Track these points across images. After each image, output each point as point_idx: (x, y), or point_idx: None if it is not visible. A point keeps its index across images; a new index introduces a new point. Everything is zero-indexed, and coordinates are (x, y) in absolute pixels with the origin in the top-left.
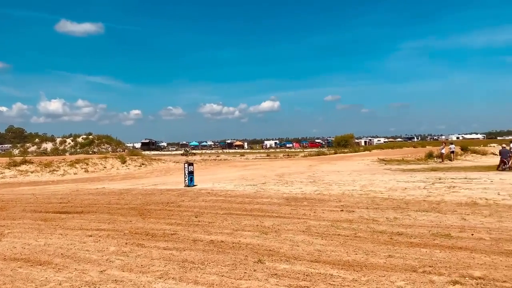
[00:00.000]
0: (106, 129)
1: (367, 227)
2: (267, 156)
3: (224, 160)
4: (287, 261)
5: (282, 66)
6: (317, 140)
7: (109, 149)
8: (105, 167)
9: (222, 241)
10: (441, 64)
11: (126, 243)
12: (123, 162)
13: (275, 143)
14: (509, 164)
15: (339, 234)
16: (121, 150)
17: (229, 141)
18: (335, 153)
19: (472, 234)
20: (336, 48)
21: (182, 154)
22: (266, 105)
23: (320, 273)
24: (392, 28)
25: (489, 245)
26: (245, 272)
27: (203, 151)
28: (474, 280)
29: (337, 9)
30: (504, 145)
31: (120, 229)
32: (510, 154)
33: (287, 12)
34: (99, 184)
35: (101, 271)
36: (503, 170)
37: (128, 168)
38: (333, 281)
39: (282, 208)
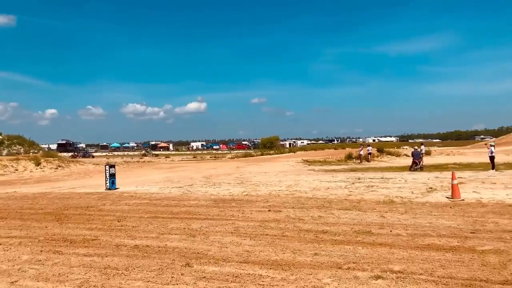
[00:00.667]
0: (17, 129)
1: (293, 226)
2: (194, 158)
3: (148, 162)
4: (216, 263)
5: (209, 68)
6: (243, 142)
7: (21, 150)
8: (16, 170)
9: (147, 246)
10: (360, 70)
11: (41, 251)
12: (37, 164)
13: (202, 144)
14: (420, 164)
15: (267, 234)
16: (35, 152)
17: (153, 143)
18: (262, 154)
19: (391, 231)
20: (262, 52)
21: (143, 155)
22: (193, 106)
23: (249, 273)
24: (316, 35)
25: (406, 240)
26: (172, 277)
27: (125, 153)
28: (394, 274)
29: (265, 14)
30: (416, 147)
31: (35, 236)
32: (421, 156)
33: (214, 15)
34: (10, 188)
35: (12, 282)
36: (415, 170)
37: (43, 171)
38: (262, 281)
39: (210, 210)
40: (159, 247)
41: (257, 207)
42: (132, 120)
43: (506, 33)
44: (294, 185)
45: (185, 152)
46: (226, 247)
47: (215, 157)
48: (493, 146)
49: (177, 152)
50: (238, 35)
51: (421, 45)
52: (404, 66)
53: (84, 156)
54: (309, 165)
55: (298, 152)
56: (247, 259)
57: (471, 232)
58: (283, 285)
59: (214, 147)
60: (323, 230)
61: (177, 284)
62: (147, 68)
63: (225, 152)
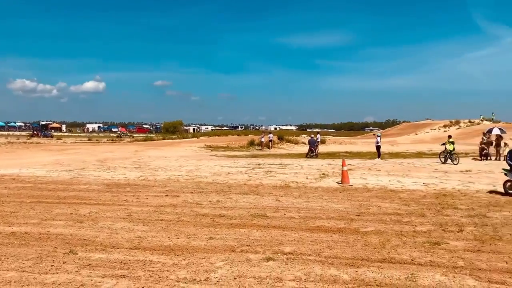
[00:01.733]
0: None
1: (190, 211)
2: (89, 140)
3: (36, 143)
4: (104, 250)
5: (110, 45)
6: (145, 126)
7: None
8: None
9: (26, 233)
10: (265, 59)
11: None
12: None
13: (99, 127)
14: (316, 152)
15: (162, 219)
16: None
17: (43, 123)
18: (164, 139)
19: (285, 214)
20: (168, 34)
21: (30, 136)
22: (90, 85)
23: (139, 260)
24: (225, 21)
25: (298, 223)
26: (52, 265)
27: (11, 132)
28: (285, 255)
29: None
30: (312, 136)
31: None
32: (317, 144)
33: None
34: None
35: None
36: (311, 157)
37: None
38: (153, 267)
39: (102, 194)
40: (40, 234)
41: (153, 192)
42: (21, 98)
43: (397, 33)
44: (195, 170)
45: (79, 134)
46: (117, 233)
47: (112, 140)
48: (379, 136)
49: (70, 134)
50: (143, 12)
51: (320, 39)
52: (304, 58)
53: None
54: (211, 150)
55: (201, 137)
56: (138, 245)
57: (357, 215)
58: (173, 270)
59: (113, 129)
60: (220, 214)
61: (57, 273)
62: (38, 40)
63: (124, 135)
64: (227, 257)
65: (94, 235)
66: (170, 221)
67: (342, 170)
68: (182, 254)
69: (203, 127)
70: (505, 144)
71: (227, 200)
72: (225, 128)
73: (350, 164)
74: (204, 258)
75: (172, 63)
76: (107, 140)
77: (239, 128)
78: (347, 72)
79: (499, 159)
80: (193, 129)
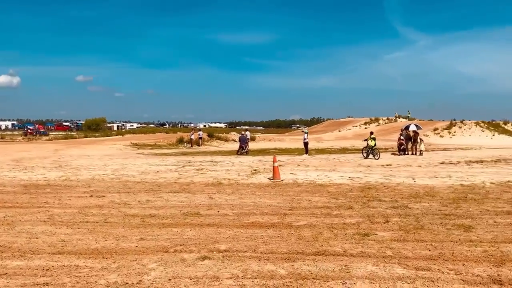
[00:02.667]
0: None
1: (118, 212)
2: (1, 138)
3: None
4: (22, 256)
5: (25, 38)
6: (65, 123)
7: None
8: None
9: None
10: (193, 56)
11: None
12: None
13: (13, 124)
14: (246, 149)
15: (87, 221)
16: None
17: None
18: (86, 137)
19: (218, 211)
20: (91, 26)
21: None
22: (2, 80)
23: (64, 265)
24: (150, 15)
25: (232, 220)
26: None
27: None
28: (221, 253)
29: None
30: (242, 133)
31: None
32: (247, 141)
33: None
34: None
35: None
36: (242, 154)
37: None
38: (79, 272)
39: (18, 196)
40: None
41: (77, 193)
42: None
43: (321, 34)
44: (121, 169)
45: None
46: (37, 238)
47: (28, 138)
48: (307, 133)
49: None
50: (60, 3)
51: (249, 37)
52: (233, 56)
53: None
54: (138, 148)
55: (127, 135)
56: (62, 249)
57: (289, 209)
58: (103, 274)
59: (29, 127)
60: (150, 214)
61: None
62: None
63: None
64: (160, 258)
65: (10, 241)
66: (97, 222)
67: (273, 166)
68: (112, 257)
69: (128, 125)
70: (421, 139)
71: (157, 200)
72: (151, 125)
73: (280, 160)
74: (136, 260)
75: (94, 58)
76: (23, 139)
77: (167, 126)
78: (274, 71)
79: (416, 154)
80: (117, 126)
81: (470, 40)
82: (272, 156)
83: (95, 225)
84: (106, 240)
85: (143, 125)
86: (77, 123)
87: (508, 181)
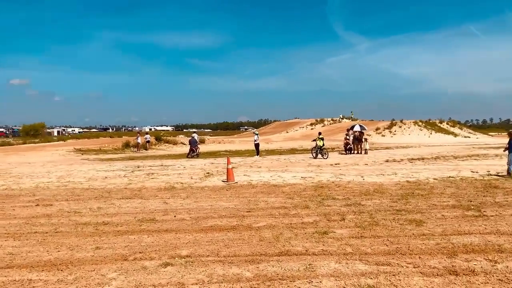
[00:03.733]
0: None
1: (69, 220)
2: None
3: None
4: None
5: None
6: (0, 129)
7: None
8: None
9: None
10: (135, 57)
11: None
12: None
13: None
14: (197, 152)
15: (36, 232)
16: None
17: None
18: (24, 143)
19: (175, 216)
20: (27, 27)
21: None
22: None
23: (15, 280)
24: (90, 16)
25: (190, 224)
26: None
27: None
28: (183, 259)
29: None
30: (193, 135)
31: None
32: (198, 143)
33: None
34: None
35: None
36: (192, 157)
37: None
38: (33, 286)
39: None
40: None
41: (21, 202)
42: None
43: (265, 37)
44: (66, 176)
45: None
46: None
47: None
48: (257, 135)
49: None
50: None
51: (193, 39)
52: (177, 57)
53: None
54: (82, 154)
55: (69, 140)
56: (11, 263)
57: (247, 211)
58: (60, 287)
59: None
60: (103, 222)
61: None
62: None
63: None
64: (119, 267)
65: None
66: (47, 233)
67: (227, 168)
68: (67, 268)
69: (69, 129)
70: (365, 139)
71: (109, 206)
72: (94, 130)
73: (232, 162)
74: (94, 270)
75: (31, 60)
76: None
77: (110, 130)
78: (219, 73)
79: (361, 153)
80: (58, 131)
81: (406, 44)
82: (223, 158)
83: (45, 235)
84: (59, 251)
85: (85, 130)
86: (13, 128)
87: (449, 177)
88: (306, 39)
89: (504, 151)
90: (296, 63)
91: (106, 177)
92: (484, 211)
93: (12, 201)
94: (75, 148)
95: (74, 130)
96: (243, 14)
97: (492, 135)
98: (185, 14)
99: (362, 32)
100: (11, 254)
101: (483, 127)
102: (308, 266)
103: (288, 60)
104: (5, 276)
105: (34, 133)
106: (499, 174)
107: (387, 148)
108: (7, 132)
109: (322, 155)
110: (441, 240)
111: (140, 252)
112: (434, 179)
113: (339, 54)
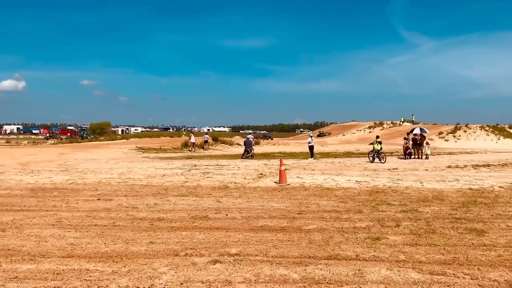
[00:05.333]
0: None
1: (126, 215)
2: (7, 143)
3: None
4: (32, 260)
5: (30, 42)
6: (69, 127)
7: None
8: None
9: None
10: (196, 60)
11: None
12: None
13: (18, 128)
14: (252, 152)
15: (96, 225)
16: None
17: None
18: (90, 141)
19: (227, 215)
20: (93, 31)
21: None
22: (8, 84)
23: (74, 269)
24: (154, 20)
25: (241, 223)
26: None
27: None
28: (232, 257)
29: None
30: (248, 136)
31: None
32: (253, 144)
33: None
34: None
35: None
36: (247, 158)
37: None
38: (90, 276)
39: (26, 200)
40: None
41: (84, 196)
42: None
43: (325, 39)
44: (127, 173)
45: None
46: (46, 241)
47: (34, 142)
48: (312, 137)
49: None
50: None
51: (252, 42)
52: (236, 60)
53: None
54: (143, 152)
55: (131, 139)
56: (72, 253)
57: (298, 213)
58: (114, 278)
59: (34, 131)
60: (159, 218)
61: None
62: None
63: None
64: (171, 262)
65: (20, 244)
66: (105, 226)
67: (280, 170)
68: (122, 260)
69: (133, 129)
70: (427, 143)
71: (165, 203)
72: (155, 129)
73: (286, 164)
74: (146, 264)
75: (99, 63)
76: (28, 143)
77: (171, 130)
78: (277, 75)
79: (422, 158)
80: (122, 130)
81: (473, 44)
82: (277, 160)
83: (103, 228)
84: (115, 244)
85: (147, 129)
86: (82, 127)
87: None
88: (366, 39)
89: None
90: (355, 64)
91: (164, 175)
92: None
93: (76, 194)
94: (137, 147)
95: (137, 129)
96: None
97: None
98: (246, 17)
99: (425, 32)
100: (72, 245)
101: None
102: (357, 271)
103: (346, 62)
104: (66, 265)
105: (100, 131)
106: None
107: (450, 153)
108: (76, 130)
109: (380, 159)
110: (503, 252)
111: (191, 248)
112: (500, 187)
113: (401, 55)
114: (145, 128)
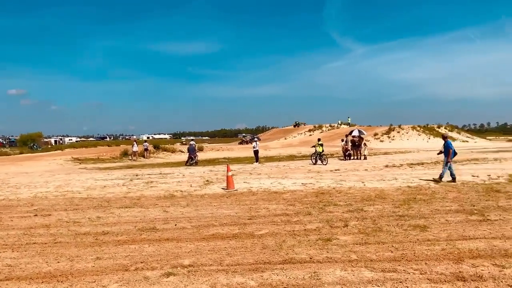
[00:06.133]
0: None
1: (68, 231)
2: None
3: None
4: None
5: None
6: None
7: None
8: None
9: None
10: (133, 66)
11: None
12: None
13: None
14: (196, 159)
15: (35, 243)
16: None
17: None
18: (21, 153)
19: (176, 225)
20: (22, 36)
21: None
22: None
23: None
24: (87, 25)
25: (191, 233)
26: None
27: None
28: (185, 268)
29: None
30: (191, 143)
31: None
32: (196, 151)
33: None
34: None
35: None
36: (191, 165)
37: None
38: None
39: None
40: None
41: (19, 213)
42: None
43: (264, 44)
44: (64, 185)
45: None
46: None
47: None
48: (256, 141)
49: None
50: None
51: (190, 47)
52: (175, 66)
53: None
54: (80, 163)
55: (66, 149)
56: (10, 275)
57: (249, 219)
58: None
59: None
60: (103, 232)
61: None
62: None
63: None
64: (121, 277)
65: None
66: (45, 243)
67: (227, 176)
68: (67, 279)
69: (67, 139)
70: (365, 144)
71: (109, 216)
72: (91, 139)
73: (232, 170)
74: (95, 281)
75: (27, 70)
76: None
77: (108, 139)
78: (217, 80)
79: (360, 158)
80: (55, 141)
81: (402, 49)
82: (222, 166)
83: (44, 246)
84: (58, 262)
85: (83, 139)
86: (10, 138)
87: (450, 181)
88: (304, 45)
89: (439, 154)
90: (294, 69)
91: (104, 186)
92: (488, 216)
93: (10, 211)
94: (73, 157)
95: (71, 139)
96: (240, 23)
97: (490, 139)
98: (184, 23)
99: (359, 38)
100: (9, 266)
101: (480, 131)
102: (313, 274)
103: (285, 67)
104: None
105: (31, 143)
106: (500, 178)
107: (386, 153)
108: (4, 142)
109: (322, 161)
110: (446, 245)
111: (141, 262)
112: (435, 184)
113: (336, 61)
114: (80, 137)
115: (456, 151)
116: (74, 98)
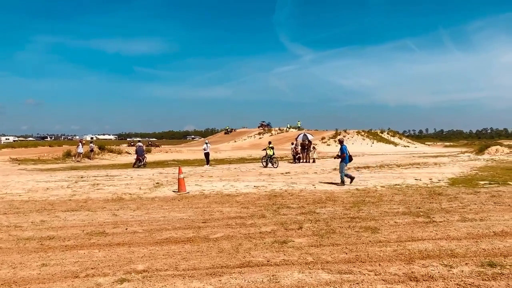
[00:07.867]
0: None
1: (9, 236)
2: None
3: None
4: None
5: None
6: None
7: None
8: None
9: None
10: (76, 64)
11: None
12: None
13: None
14: (144, 161)
15: None
16: None
17: None
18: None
19: (126, 229)
20: None
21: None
22: None
23: None
24: (29, 20)
25: (144, 237)
26: None
27: None
28: (140, 274)
29: None
30: (139, 144)
31: None
32: (145, 152)
33: None
34: None
35: None
36: (139, 167)
37: None
38: None
39: None
40: None
41: None
42: None
43: (214, 45)
44: (2, 187)
45: None
46: None
47: None
48: (207, 144)
49: None
50: None
51: (138, 46)
52: (121, 64)
53: None
54: (19, 164)
55: (3, 149)
56: None
57: (203, 222)
58: None
59: None
60: (48, 236)
61: None
62: None
63: None
64: (70, 285)
65: None
66: None
67: (178, 178)
68: None
69: (3, 138)
70: (314, 147)
71: (54, 219)
72: (30, 138)
73: (183, 172)
74: None
75: None
76: None
77: (49, 139)
78: (165, 81)
79: (309, 162)
80: None
81: (348, 56)
82: (172, 168)
83: None
84: (0, 270)
85: (21, 139)
86: None
87: (396, 184)
88: (253, 49)
89: (335, 158)
90: (244, 72)
91: (47, 188)
92: (433, 217)
93: None
94: (11, 158)
95: (8, 139)
96: (190, 23)
97: (428, 145)
98: (131, 21)
99: (307, 43)
100: None
101: (419, 137)
102: (271, 277)
103: (235, 70)
104: None
105: None
106: (440, 181)
107: (333, 156)
108: None
109: (272, 164)
110: (397, 246)
111: (92, 268)
112: (382, 186)
113: (286, 65)
114: (18, 137)
115: (352, 156)
116: (12, 96)
